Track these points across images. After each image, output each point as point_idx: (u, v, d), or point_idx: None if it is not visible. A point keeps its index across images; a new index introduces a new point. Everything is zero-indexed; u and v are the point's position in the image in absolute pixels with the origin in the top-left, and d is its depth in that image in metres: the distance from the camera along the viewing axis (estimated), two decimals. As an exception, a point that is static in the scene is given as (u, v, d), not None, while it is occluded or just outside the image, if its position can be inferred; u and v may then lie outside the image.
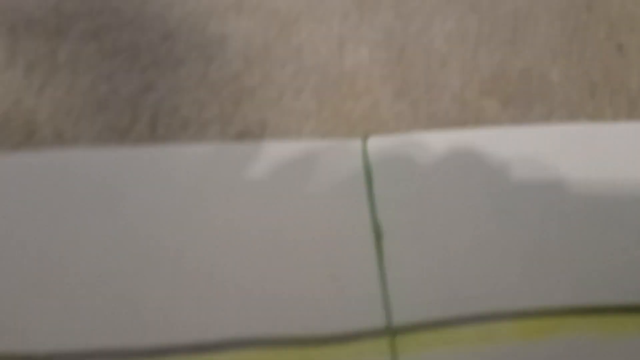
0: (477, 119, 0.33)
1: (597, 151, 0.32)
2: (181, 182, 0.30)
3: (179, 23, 0.34)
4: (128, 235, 0.28)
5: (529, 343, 0.26)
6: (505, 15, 0.36)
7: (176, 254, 0.28)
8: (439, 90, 0.34)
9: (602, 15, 0.37)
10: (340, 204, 0.30)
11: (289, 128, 0.32)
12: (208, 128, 0.31)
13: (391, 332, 0.26)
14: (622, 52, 0.36)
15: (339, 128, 0.32)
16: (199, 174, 0.30)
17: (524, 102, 0.33)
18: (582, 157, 0.31)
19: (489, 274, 0.28)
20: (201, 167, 0.30)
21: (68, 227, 0.28)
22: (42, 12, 0.33)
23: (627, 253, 0.28)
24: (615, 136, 0.32)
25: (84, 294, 0.26)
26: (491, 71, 0.34)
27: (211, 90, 0.32)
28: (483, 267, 0.28)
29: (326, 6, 0.36)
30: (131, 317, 0.26)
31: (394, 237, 0.29)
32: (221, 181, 0.30)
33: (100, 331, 0.26)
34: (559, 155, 0.31)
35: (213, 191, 0.30)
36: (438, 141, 0.31)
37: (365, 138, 0.32)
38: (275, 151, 0.31)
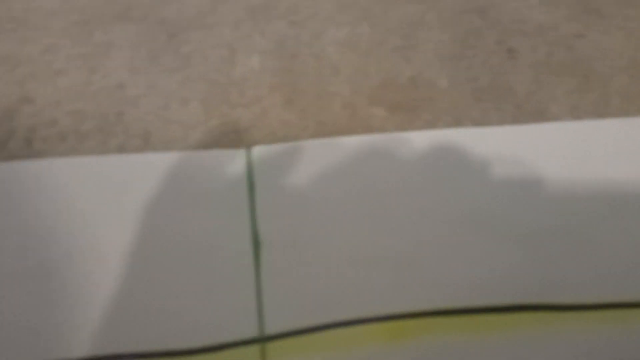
0: (366, 127, 0.33)
1: (481, 155, 0.32)
2: (58, 196, 0.29)
3: (62, 33, 0.33)
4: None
5: (396, 344, 0.26)
6: (398, 22, 0.36)
7: (44, 268, 0.27)
8: (329, 99, 0.34)
9: (494, 20, 0.37)
10: (221, 215, 0.29)
11: (175, 138, 0.32)
12: (88, 140, 0.31)
13: (262, 339, 0.26)
14: (512, 56, 0.36)
15: (226, 137, 0.32)
16: (76, 187, 0.29)
17: (410, 109, 0.33)
18: (463, 162, 0.31)
19: (362, 282, 0.28)
20: (79, 179, 0.29)
21: None
22: None
23: (491, 255, 0.29)
24: (502, 139, 0.33)
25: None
26: (380, 79, 0.34)
27: (92, 101, 0.31)
28: (357, 275, 0.28)
29: (217, 15, 0.35)
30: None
31: (273, 246, 0.28)
32: (101, 193, 0.29)
33: None
34: (441, 160, 0.31)
35: (92, 203, 0.29)
36: (322, 149, 0.31)
37: (249, 147, 0.31)
38: (157, 162, 0.30)
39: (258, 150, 0.31)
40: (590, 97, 0.34)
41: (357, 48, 0.35)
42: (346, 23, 0.36)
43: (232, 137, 0.32)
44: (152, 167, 0.30)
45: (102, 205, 0.29)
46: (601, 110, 0.34)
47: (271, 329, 0.27)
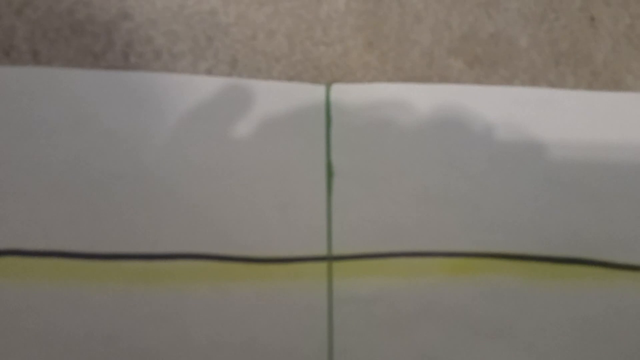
0: (442, 77, 0.34)
1: (554, 116, 0.33)
2: (151, 107, 0.31)
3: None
4: (95, 150, 0.30)
5: (455, 279, 0.28)
6: (484, -22, 0.37)
7: (137, 172, 0.29)
8: (409, 46, 0.35)
9: (580, -13, 0.37)
10: (298, 143, 0.31)
11: (259, 68, 0.33)
12: (180, 60, 0.32)
13: (330, 258, 0.28)
14: (594, 24, 0.36)
15: (307, 72, 0.33)
16: (169, 101, 0.31)
17: (489, 65, 0.34)
18: (538, 120, 0.32)
19: (427, 219, 0.29)
20: (172, 95, 0.31)
21: (38, 140, 0.29)
22: None
23: (558, 209, 0.30)
24: (576, 103, 0.33)
25: (47, 198, 0.28)
26: (462, 32, 0.35)
27: (186, 24, 0.33)
28: (423, 212, 0.29)
29: (309, -47, 0.36)
30: (91, 223, 0.28)
31: (345, 177, 0.30)
32: (189, 110, 0.31)
33: (61, 233, 0.28)
34: (516, 116, 0.32)
35: (179, 118, 0.31)
36: (400, 93, 0.33)
37: (329, 84, 0.33)
38: (243, 88, 0.32)
39: (337, 87, 0.33)
40: (670, 71, 0.34)
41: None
42: (433, -26, 0.36)
43: (312, 73, 0.33)
44: (238, 91, 0.32)
45: (191, 122, 0.31)
46: (679, 86, 0.34)
47: (338, 250, 0.28)
